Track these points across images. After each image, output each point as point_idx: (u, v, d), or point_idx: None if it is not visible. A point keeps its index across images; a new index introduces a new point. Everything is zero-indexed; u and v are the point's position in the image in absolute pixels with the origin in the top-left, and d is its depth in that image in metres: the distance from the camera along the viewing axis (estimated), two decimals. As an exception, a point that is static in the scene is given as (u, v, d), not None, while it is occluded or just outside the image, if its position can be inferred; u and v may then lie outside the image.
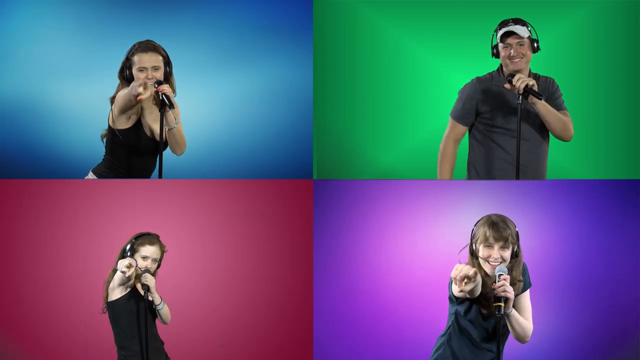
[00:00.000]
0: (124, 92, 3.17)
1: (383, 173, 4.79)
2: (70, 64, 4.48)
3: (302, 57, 4.55)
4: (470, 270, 2.38)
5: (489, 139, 3.52)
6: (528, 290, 2.70)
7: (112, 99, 3.28)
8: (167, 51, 3.31)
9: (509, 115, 3.45)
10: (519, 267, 2.62)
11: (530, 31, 3.42)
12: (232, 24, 4.58)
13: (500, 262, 2.53)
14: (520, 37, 3.37)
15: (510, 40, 3.38)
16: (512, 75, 3.26)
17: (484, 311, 2.57)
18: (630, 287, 3.88)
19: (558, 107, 3.46)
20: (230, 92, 4.61)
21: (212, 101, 4.58)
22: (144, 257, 2.84)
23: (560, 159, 4.65)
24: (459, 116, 3.56)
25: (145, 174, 3.38)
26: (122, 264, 2.73)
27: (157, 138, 3.27)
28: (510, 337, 2.70)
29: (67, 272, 3.93)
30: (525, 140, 3.40)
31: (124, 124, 3.26)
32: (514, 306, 2.56)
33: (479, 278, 2.45)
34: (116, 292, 2.85)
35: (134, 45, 3.26)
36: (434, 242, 3.88)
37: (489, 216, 2.61)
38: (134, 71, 3.23)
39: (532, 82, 3.21)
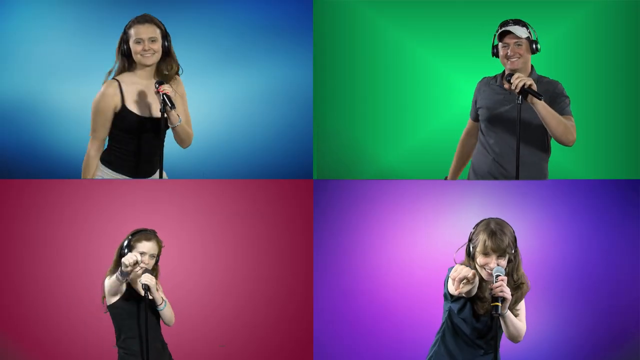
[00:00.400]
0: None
1: (383, 173, 4.79)
2: (70, 64, 4.48)
3: (302, 57, 4.54)
4: (470, 273, 2.41)
5: (482, 136, 3.57)
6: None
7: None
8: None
9: (500, 115, 3.48)
10: (518, 270, 2.65)
11: (530, 32, 3.44)
12: (232, 24, 4.57)
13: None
14: (518, 38, 3.39)
15: (508, 39, 3.42)
16: (512, 75, 3.26)
17: (477, 310, 2.61)
18: (630, 287, 3.88)
19: (560, 110, 3.43)
20: (230, 92, 4.61)
21: (212, 101, 4.58)
22: (142, 253, 2.83)
23: (560, 159, 4.64)
24: (471, 111, 3.69)
25: (152, 152, 3.32)
26: (129, 259, 2.70)
27: (153, 115, 3.25)
28: (504, 338, 2.72)
29: (67, 272, 3.94)
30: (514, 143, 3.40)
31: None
32: (511, 307, 2.61)
33: (477, 280, 2.49)
34: (113, 297, 2.85)
35: (131, 20, 3.25)
36: (434, 242, 3.88)
37: (488, 223, 2.62)
38: (131, 44, 3.21)
39: (530, 81, 3.21)
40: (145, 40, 3.21)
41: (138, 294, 2.84)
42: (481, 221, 2.66)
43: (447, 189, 3.94)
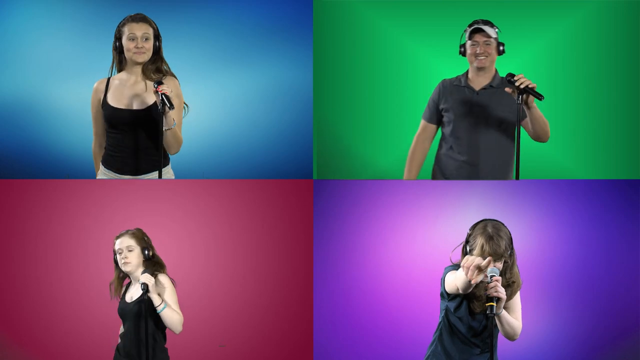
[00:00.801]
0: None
1: (383, 173, 4.79)
2: (70, 64, 4.48)
3: (302, 57, 4.55)
4: (484, 261, 2.39)
5: (449, 139, 3.60)
6: (519, 290, 2.74)
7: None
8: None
9: (471, 116, 3.53)
10: (512, 269, 2.67)
11: (497, 34, 3.52)
12: (232, 24, 4.58)
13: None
14: (488, 36, 3.48)
15: (478, 38, 3.50)
16: (512, 76, 3.26)
17: (473, 308, 2.64)
18: (630, 287, 3.88)
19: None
20: (230, 92, 4.61)
21: (212, 101, 4.58)
22: (119, 251, 2.91)
23: (560, 159, 4.65)
24: (426, 115, 3.72)
25: (135, 146, 3.28)
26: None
27: (133, 108, 3.24)
28: (502, 337, 2.75)
29: (67, 271, 3.94)
30: (483, 135, 3.50)
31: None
32: (507, 305, 2.64)
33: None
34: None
35: (125, 17, 3.27)
36: (434, 242, 3.88)
37: (485, 226, 2.63)
38: (124, 41, 3.23)
39: (533, 83, 3.22)
40: (139, 38, 3.22)
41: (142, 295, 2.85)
42: (478, 223, 2.67)
43: (446, 189, 3.94)
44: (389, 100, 4.77)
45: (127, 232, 2.96)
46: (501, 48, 3.53)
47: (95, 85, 3.33)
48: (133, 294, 2.93)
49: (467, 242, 2.68)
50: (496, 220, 2.66)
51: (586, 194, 3.95)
